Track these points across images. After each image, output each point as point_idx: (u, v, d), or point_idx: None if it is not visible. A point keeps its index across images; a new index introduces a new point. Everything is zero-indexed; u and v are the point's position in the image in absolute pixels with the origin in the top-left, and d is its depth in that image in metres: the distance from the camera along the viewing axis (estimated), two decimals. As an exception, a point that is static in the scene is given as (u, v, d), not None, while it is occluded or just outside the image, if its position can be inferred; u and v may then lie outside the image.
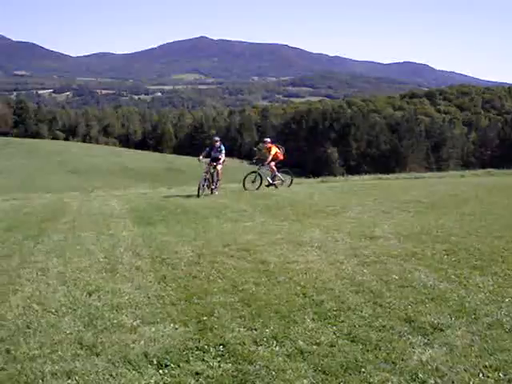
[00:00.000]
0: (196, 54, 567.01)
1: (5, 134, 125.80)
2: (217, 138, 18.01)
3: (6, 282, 6.59)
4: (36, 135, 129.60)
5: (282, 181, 18.78)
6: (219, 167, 17.19)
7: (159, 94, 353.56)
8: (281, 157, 18.42)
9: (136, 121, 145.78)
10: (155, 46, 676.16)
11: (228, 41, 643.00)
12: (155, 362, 4.30)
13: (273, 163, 18.27)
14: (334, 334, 4.74)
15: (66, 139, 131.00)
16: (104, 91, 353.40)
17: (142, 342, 4.65)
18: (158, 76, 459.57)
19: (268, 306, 5.42)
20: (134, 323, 5.09)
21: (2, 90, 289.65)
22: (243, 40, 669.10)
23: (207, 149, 17.76)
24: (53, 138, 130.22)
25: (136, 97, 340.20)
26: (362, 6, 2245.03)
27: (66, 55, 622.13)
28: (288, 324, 4.97)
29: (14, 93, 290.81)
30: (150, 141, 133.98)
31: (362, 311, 5.25)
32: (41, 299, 5.87)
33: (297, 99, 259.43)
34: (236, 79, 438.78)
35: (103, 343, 4.65)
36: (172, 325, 5.03)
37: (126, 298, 5.87)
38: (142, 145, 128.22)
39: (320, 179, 23.62)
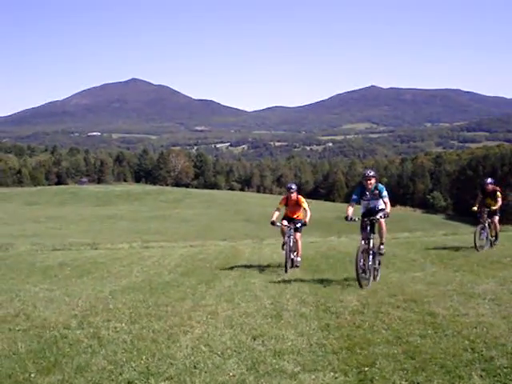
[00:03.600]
0: (366, 104, 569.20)
1: (186, 186, 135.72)
2: (371, 173, 9.99)
3: (178, 324, 7.00)
4: (214, 186, 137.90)
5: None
6: (383, 224, 9.80)
7: (330, 144, 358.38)
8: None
9: (308, 171, 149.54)
10: (326, 97, 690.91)
11: (398, 88, 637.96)
12: (314, 410, 4.30)
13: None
14: (504, 393, 4.40)
15: (242, 190, 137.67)
16: (278, 143, 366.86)
17: (302, 389, 4.67)
18: (329, 127, 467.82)
19: (433, 360, 5.17)
20: (295, 370, 5.12)
21: (184, 145, 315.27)
22: (413, 87, 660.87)
23: (354, 196, 10.12)
24: (229, 189, 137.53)
25: (308, 147, 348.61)
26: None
27: (242, 110, 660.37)
28: (453, 379, 4.69)
29: (195, 147, 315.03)
30: (322, 190, 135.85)
31: (537, 370, 4.81)
32: (208, 341, 6.15)
33: (473, 144, 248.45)
34: (408, 126, 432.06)
35: (264, 387, 4.75)
36: (332, 373, 4.99)
37: (289, 344, 5.94)
38: (313, 194, 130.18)
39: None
